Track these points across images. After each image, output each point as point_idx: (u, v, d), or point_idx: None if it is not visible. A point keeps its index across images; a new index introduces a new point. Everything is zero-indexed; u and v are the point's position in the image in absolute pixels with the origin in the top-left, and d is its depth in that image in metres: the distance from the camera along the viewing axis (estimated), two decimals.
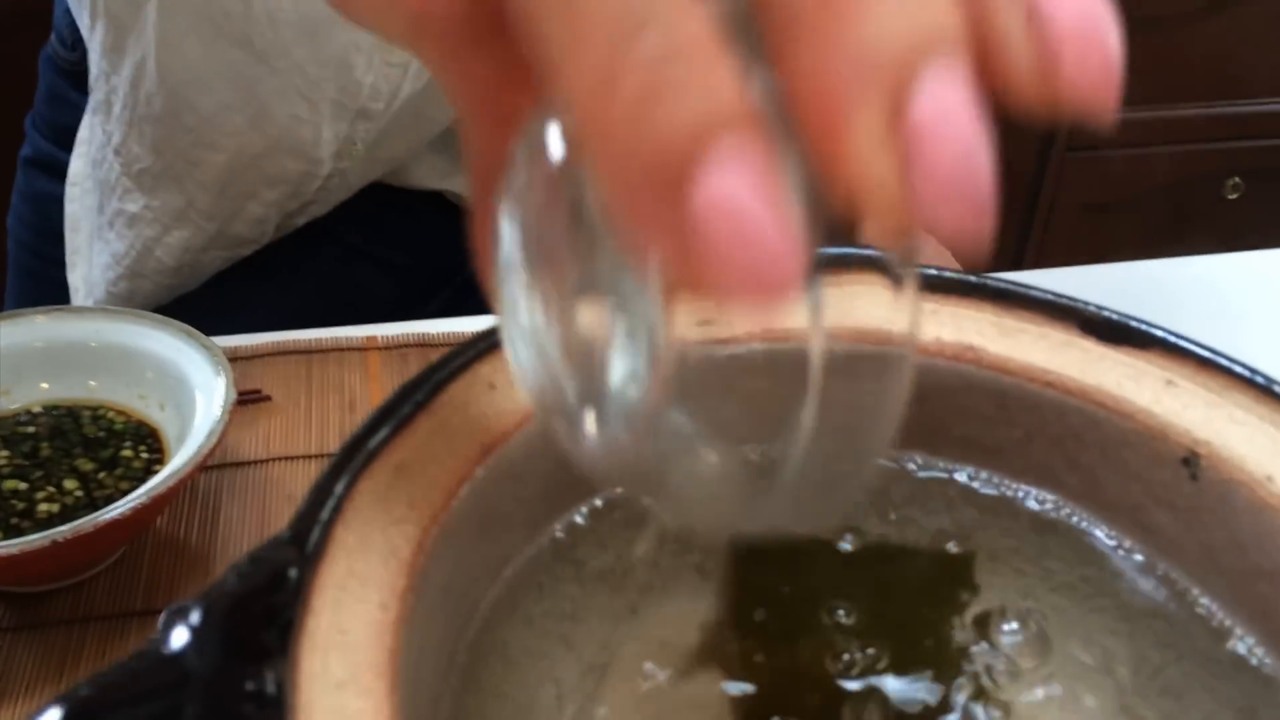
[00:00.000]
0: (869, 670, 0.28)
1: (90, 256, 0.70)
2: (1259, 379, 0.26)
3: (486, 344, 0.26)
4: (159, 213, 0.67)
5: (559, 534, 0.27)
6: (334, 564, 0.21)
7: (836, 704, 0.28)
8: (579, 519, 0.28)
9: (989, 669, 0.27)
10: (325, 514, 0.22)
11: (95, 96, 0.66)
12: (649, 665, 0.28)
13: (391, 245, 0.72)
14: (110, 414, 0.53)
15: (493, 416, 0.25)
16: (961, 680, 0.28)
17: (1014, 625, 0.28)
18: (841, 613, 0.29)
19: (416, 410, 0.24)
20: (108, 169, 0.67)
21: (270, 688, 0.18)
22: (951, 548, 0.30)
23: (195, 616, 0.18)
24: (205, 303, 0.70)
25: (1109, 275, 0.66)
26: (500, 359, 0.26)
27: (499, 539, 0.25)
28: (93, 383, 0.54)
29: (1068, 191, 1.63)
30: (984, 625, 0.29)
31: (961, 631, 0.29)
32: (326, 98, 0.60)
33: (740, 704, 0.27)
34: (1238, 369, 0.27)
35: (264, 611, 0.19)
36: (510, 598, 0.26)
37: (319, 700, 0.19)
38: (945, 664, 0.28)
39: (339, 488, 0.22)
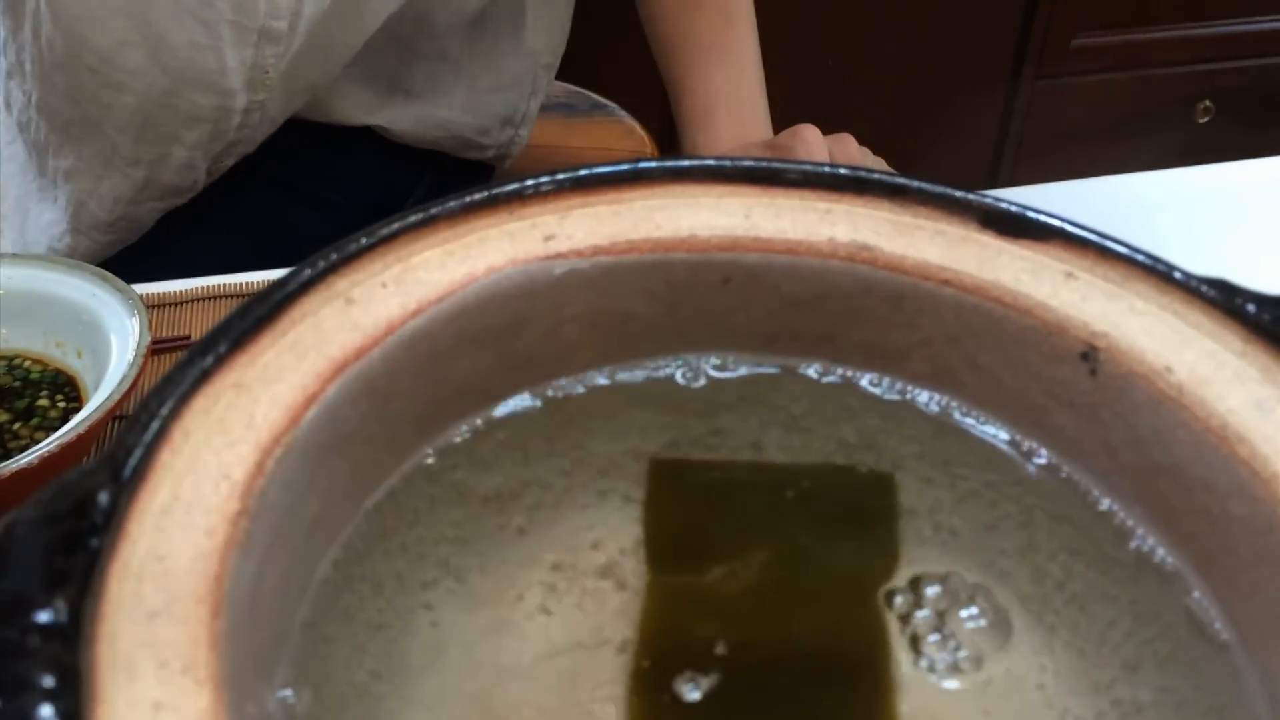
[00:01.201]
0: (774, 597, 0.27)
1: (23, 222, 0.68)
2: (1160, 267, 0.25)
3: (341, 256, 0.24)
4: (90, 162, 0.65)
5: (431, 458, 0.26)
6: (156, 489, 0.20)
7: (739, 632, 0.27)
8: (456, 440, 0.27)
9: (894, 594, 0.26)
10: (148, 437, 0.20)
11: (7, 60, 0.64)
12: (538, 589, 0.27)
13: (323, 183, 0.70)
14: (26, 363, 0.52)
15: (348, 331, 0.24)
16: (871, 607, 0.26)
17: (925, 541, 0.27)
18: (749, 542, 0.28)
19: (259, 326, 0.23)
20: (35, 129, 0.65)
21: (61, 617, 0.17)
22: (868, 465, 0.28)
23: None
24: (139, 254, 0.68)
25: (1084, 191, 0.64)
26: (359, 271, 0.25)
27: (359, 461, 0.24)
28: (4, 330, 0.52)
29: (1037, 120, 1.60)
30: (892, 542, 0.28)
31: (872, 557, 0.27)
32: (223, 19, 0.57)
33: (639, 631, 0.26)
34: (1139, 258, 0.25)
35: (62, 539, 0.18)
36: (380, 524, 0.25)
37: (126, 630, 0.18)
38: (854, 590, 0.27)
39: (165, 409, 0.21)
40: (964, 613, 0.25)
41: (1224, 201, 0.65)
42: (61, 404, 0.50)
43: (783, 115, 0.68)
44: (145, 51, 0.58)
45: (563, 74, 0.97)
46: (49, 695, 0.16)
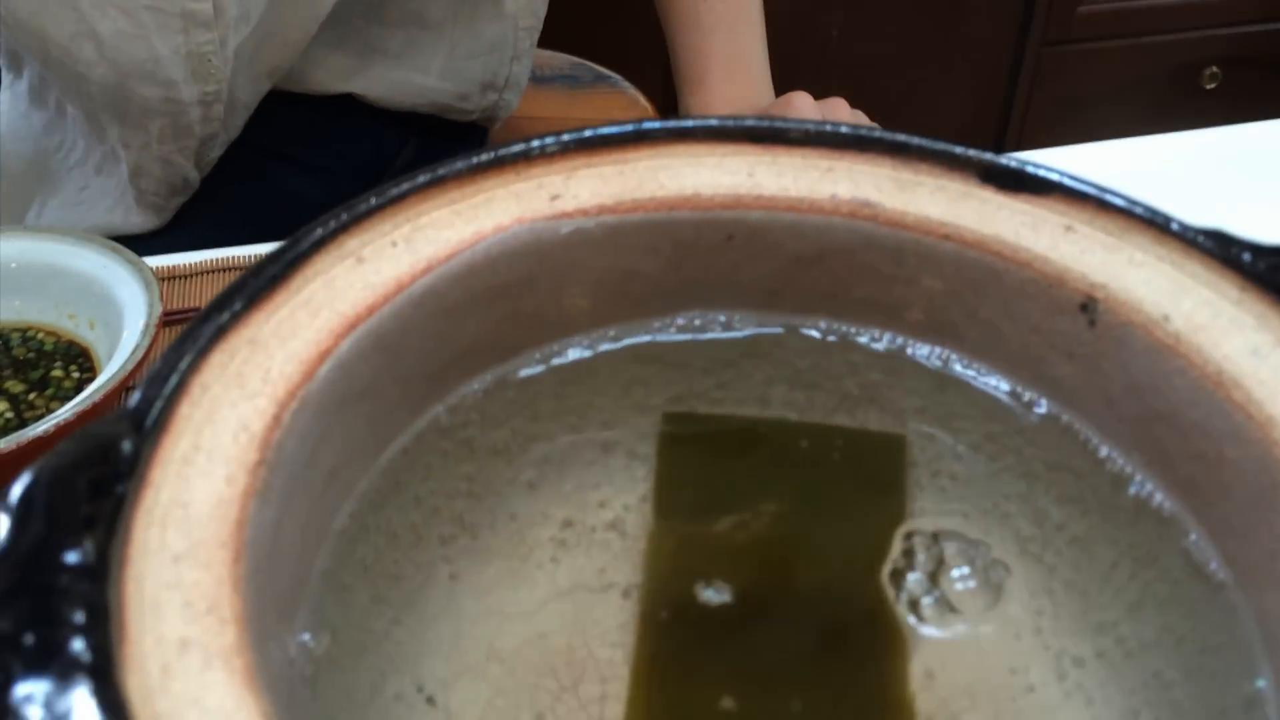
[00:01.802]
0: (781, 548, 0.28)
1: (43, 201, 0.69)
2: (1158, 218, 0.25)
3: (351, 216, 0.25)
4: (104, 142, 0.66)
5: (443, 414, 0.27)
6: (177, 439, 0.20)
7: (745, 580, 0.27)
8: (466, 397, 0.27)
9: (909, 549, 0.27)
10: (168, 389, 0.21)
11: (20, 82, 0.65)
12: (548, 542, 0.27)
13: (314, 150, 0.70)
14: (40, 335, 0.52)
15: (360, 289, 0.24)
16: (873, 559, 0.27)
17: (927, 491, 0.28)
18: (759, 495, 0.28)
19: (273, 284, 0.23)
20: (71, 118, 0.66)
21: (90, 558, 0.17)
22: (874, 420, 0.29)
23: (14, 494, 0.18)
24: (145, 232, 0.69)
25: (1089, 155, 0.64)
26: (369, 230, 0.25)
27: (373, 417, 0.25)
28: (17, 302, 0.52)
29: (1043, 87, 1.60)
30: (899, 498, 0.28)
31: (879, 510, 0.28)
32: (140, 5, 0.57)
33: (645, 576, 0.27)
34: (1137, 210, 0.26)
35: (88, 484, 0.18)
36: (394, 477, 0.26)
37: (152, 572, 0.18)
38: (858, 541, 0.27)
39: (183, 363, 0.21)
40: (956, 572, 0.26)
41: (1232, 164, 0.65)
42: (76, 374, 0.51)
43: (786, 85, 0.68)
44: (93, 45, 0.58)
45: (566, 45, 0.97)
46: (80, 630, 0.16)
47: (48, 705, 0.15)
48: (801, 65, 1.42)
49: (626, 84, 0.96)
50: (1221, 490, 0.23)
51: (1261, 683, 0.22)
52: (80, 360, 0.51)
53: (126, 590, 0.18)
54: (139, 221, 0.67)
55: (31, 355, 0.52)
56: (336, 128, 0.71)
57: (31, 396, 0.50)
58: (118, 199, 0.66)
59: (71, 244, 0.53)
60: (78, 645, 0.16)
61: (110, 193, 0.66)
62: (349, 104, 0.70)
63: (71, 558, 0.17)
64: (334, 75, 0.67)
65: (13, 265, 0.52)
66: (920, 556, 0.26)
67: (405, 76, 0.70)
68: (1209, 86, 1.63)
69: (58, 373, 0.51)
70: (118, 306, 0.50)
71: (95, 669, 0.16)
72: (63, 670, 0.16)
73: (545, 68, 0.96)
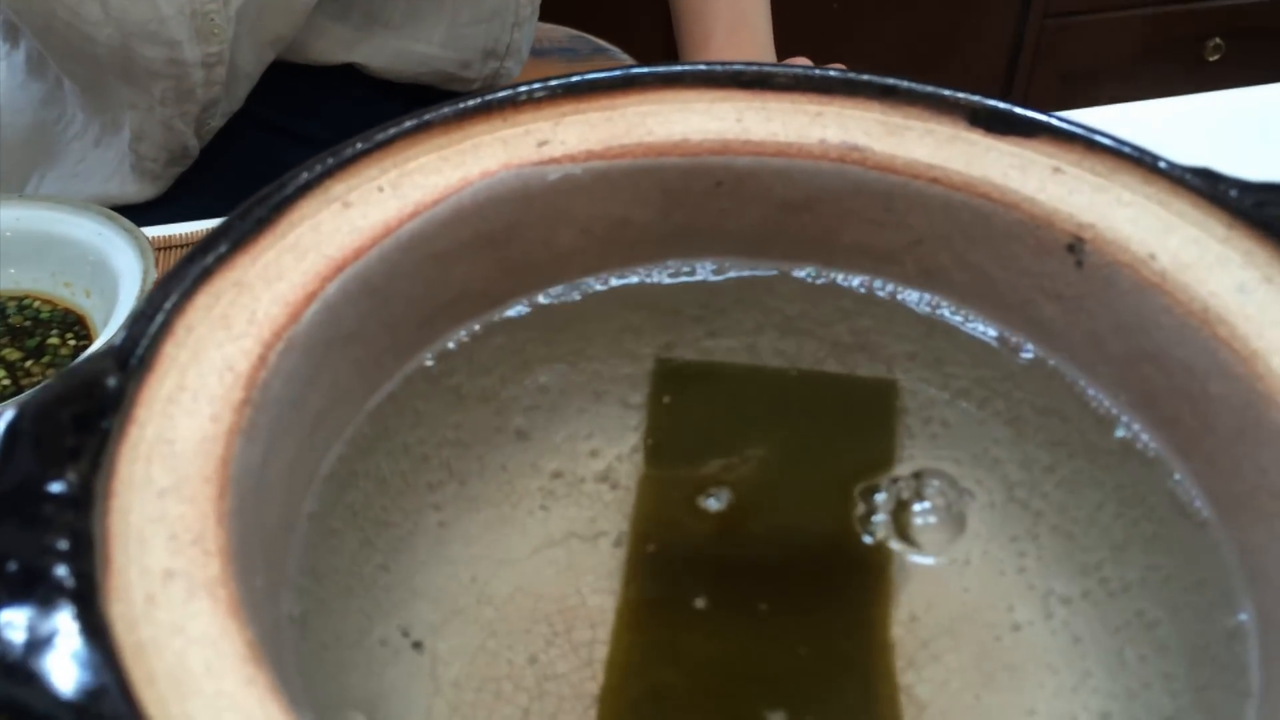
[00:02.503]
0: (770, 492, 0.28)
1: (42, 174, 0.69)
2: (1145, 158, 0.25)
3: (338, 160, 0.25)
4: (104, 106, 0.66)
5: (430, 362, 0.27)
6: (162, 377, 0.20)
7: (733, 526, 0.27)
8: (455, 344, 0.27)
9: (898, 494, 0.27)
10: (153, 329, 0.21)
11: (17, 52, 0.64)
12: (537, 492, 0.27)
13: (312, 121, 0.70)
14: (36, 303, 0.52)
15: (346, 233, 0.24)
16: (863, 499, 0.27)
17: (917, 437, 0.28)
18: (749, 441, 0.28)
19: (259, 227, 0.23)
20: (68, 90, 0.66)
21: (74, 489, 0.17)
22: (863, 366, 0.29)
23: None
24: (141, 204, 0.69)
25: (1092, 119, 0.64)
26: (355, 175, 0.25)
27: (360, 361, 0.25)
28: (13, 271, 0.52)
29: (1045, 59, 1.59)
30: (890, 444, 0.28)
31: (870, 455, 0.28)
32: None
33: (634, 523, 0.27)
34: (1125, 150, 0.25)
35: (73, 418, 0.18)
36: (382, 423, 0.26)
37: (137, 505, 0.18)
38: (846, 485, 0.27)
39: (168, 304, 0.21)
40: (919, 506, 0.26)
41: (1237, 127, 0.64)
42: (72, 342, 0.51)
43: (788, 53, 0.68)
44: (99, 3, 0.58)
45: (564, 17, 0.97)
46: (64, 557, 0.16)
47: (30, 629, 0.15)
48: (803, 35, 1.42)
49: (625, 56, 0.96)
50: (1206, 428, 0.23)
51: (1243, 616, 0.22)
52: (76, 328, 0.51)
53: (111, 522, 0.18)
54: (134, 190, 0.67)
55: (28, 323, 0.52)
56: (337, 100, 0.71)
57: (28, 364, 0.50)
58: (114, 169, 0.66)
59: (67, 212, 0.53)
60: (61, 572, 0.16)
61: (108, 163, 0.66)
62: (350, 75, 0.70)
63: (55, 488, 0.17)
64: (336, 45, 0.67)
65: (8, 234, 0.52)
66: (906, 499, 0.26)
67: (407, 45, 0.70)
68: (1212, 59, 1.62)
69: (54, 340, 0.51)
70: (114, 274, 0.50)
71: (79, 595, 0.16)
72: (46, 596, 0.16)
73: (544, 40, 0.95)
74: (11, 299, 0.53)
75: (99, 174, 0.66)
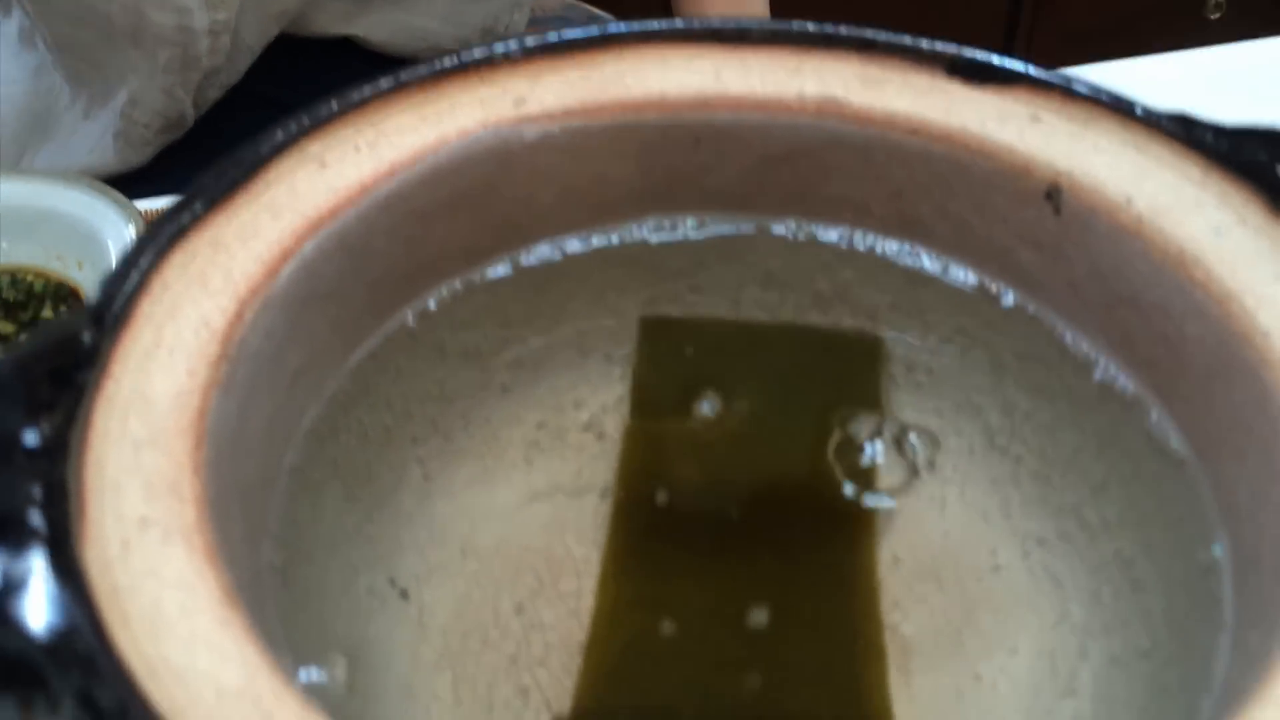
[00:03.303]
0: (753, 444, 0.28)
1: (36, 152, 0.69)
2: (1122, 104, 0.25)
3: (314, 120, 0.25)
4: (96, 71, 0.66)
5: (411, 320, 0.27)
6: (138, 334, 0.21)
7: (719, 476, 0.27)
8: (435, 303, 0.27)
9: (880, 441, 0.27)
10: (128, 287, 0.21)
11: (9, 22, 0.64)
12: (522, 445, 0.27)
13: (308, 97, 0.70)
14: (29, 277, 0.53)
15: (323, 192, 0.24)
16: (848, 447, 0.27)
17: (901, 388, 0.28)
18: (733, 394, 0.28)
19: (235, 187, 0.23)
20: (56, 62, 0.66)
21: (49, 439, 0.17)
22: (846, 319, 0.29)
23: None
24: (134, 176, 0.69)
25: (1094, 75, 0.63)
26: (331, 135, 0.25)
27: (339, 319, 0.25)
28: (5, 245, 0.53)
29: (1045, 18, 1.58)
30: (874, 390, 0.28)
31: (853, 407, 0.28)
32: None
33: (619, 474, 0.27)
34: (1102, 97, 0.25)
35: (48, 372, 0.18)
36: (364, 380, 0.26)
37: (113, 457, 0.18)
38: (835, 441, 0.28)
39: (144, 262, 0.21)
40: (901, 452, 0.26)
41: (1237, 81, 0.64)
42: (66, 315, 0.51)
43: (785, 17, 0.68)
44: None
45: None
46: (38, 504, 0.17)
47: (4, 574, 0.16)
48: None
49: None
50: (1181, 368, 0.23)
51: (1217, 550, 0.22)
52: (70, 300, 0.52)
53: (86, 472, 0.18)
54: (116, 161, 0.67)
55: (21, 298, 0.52)
56: (333, 74, 0.71)
57: (23, 338, 0.50)
58: (98, 141, 0.66)
59: (59, 185, 0.53)
60: (35, 518, 0.16)
61: (94, 135, 0.66)
62: (348, 49, 0.70)
63: (30, 438, 0.17)
64: (337, 18, 0.67)
65: None
66: (889, 447, 0.26)
67: (407, 19, 0.70)
68: (1214, 16, 1.61)
69: (48, 313, 0.51)
70: (105, 247, 0.50)
71: (52, 540, 0.16)
72: (19, 540, 0.16)
73: (537, 9, 0.95)
74: (4, 273, 0.53)
75: (86, 145, 0.67)
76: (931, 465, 0.26)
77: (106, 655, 0.15)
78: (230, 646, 0.16)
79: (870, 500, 0.26)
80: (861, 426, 0.27)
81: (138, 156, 0.67)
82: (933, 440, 0.27)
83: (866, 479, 0.26)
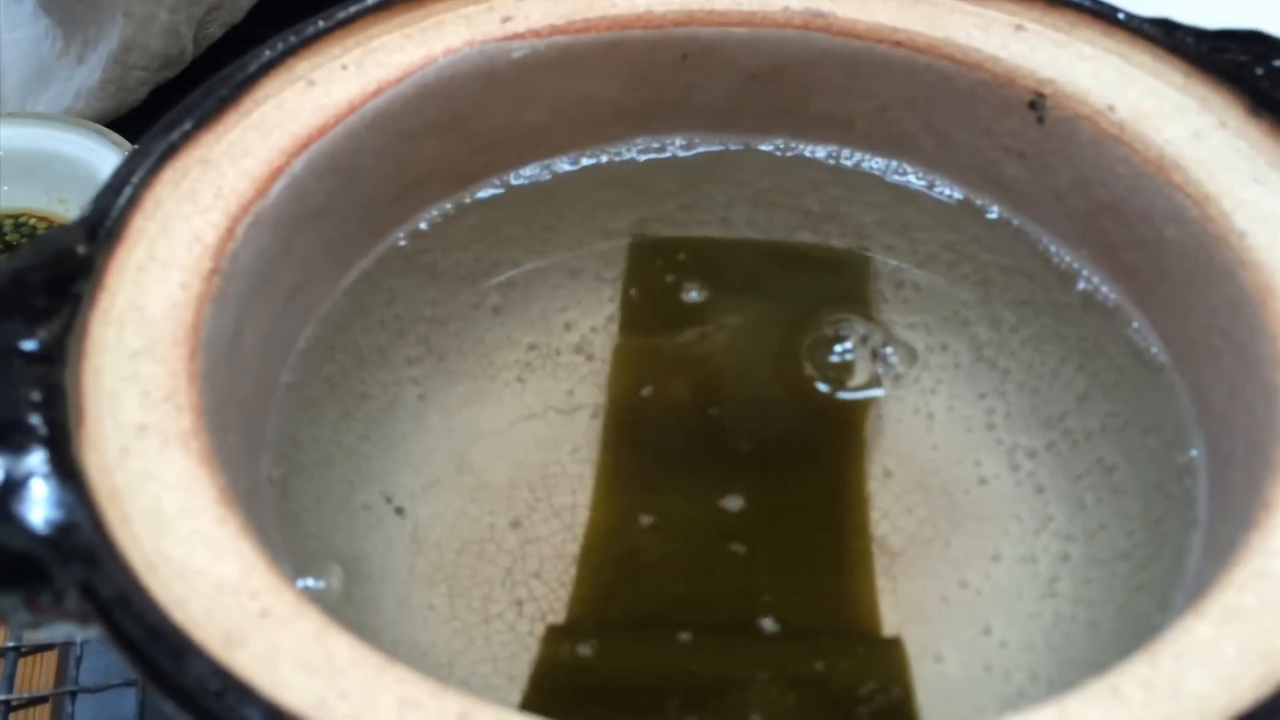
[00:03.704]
0: (743, 357, 0.28)
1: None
2: (1105, 10, 0.25)
3: (300, 39, 0.25)
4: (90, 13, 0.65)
5: (403, 241, 0.27)
6: (132, 248, 0.21)
7: (710, 391, 0.28)
8: (426, 224, 0.28)
9: (866, 343, 0.27)
10: (121, 201, 0.21)
11: None
12: (514, 365, 0.28)
13: None
14: (32, 221, 0.53)
15: (311, 110, 0.24)
16: (837, 362, 0.28)
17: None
18: (724, 310, 0.29)
19: (223, 105, 0.24)
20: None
21: (47, 346, 0.18)
22: (835, 237, 0.29)
23: None
24: (131, 122, 0.69)
25: None
26: (318, 54, 0.25)
27: (331, 238, 0.25)
28: (7, 189, 0.53)
29: None
30: (863, 306, 0.28)
31: (838, 319, 0.28)
32: None
33: (610, 391, 0.27)
34: (1085, 4, 0.25)
35: (44, 282, 0.19)
36: (358, 300, 0.26)
37: (110, 366, 0.19)
38: (817, 345, 0.28)
39: (135, 177, 0.22)
40: (889, 364, 0.27)
41: None
42: None
43: None
44: None
45: None
46: (37, 407, 0.17)
47: (6, 474, 0.16)
48: None
49: None
50: (1161, 273, 0.23)
51: (1194, 452, 0.22)
52: None
53: (84, 379, 0.18)
54: (112, 105, 0.67)
55: (25, 240, 0.52)
56: None
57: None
58: (93, 83, 0.66)
59: (57, 129, 0.53)
60: (35, 420, 0.17)
61: (88, 79, 0.66)
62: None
63: (28, 344, 0.18)
64: None
65: (0, 153, 0.53)
66: (878, 360, 0.27)
67: None
68: None
69: None
70: None
71: (52, 441, 0.17)
72: (20, 442, 0.17)
73: None
74: (8, 217, 0.53)
75: (80, 89, 0.66)
76: (914, 366, 0.27)
77: (107, 549, 0.16)
78: (227, 543, 0.17)
79: (861, 411, 0.26)
80: (852, 340, 0.28)
81: (133, 97, 0.67)
82: (911, 353, 0.27)
83: (858, 390, 0.27)
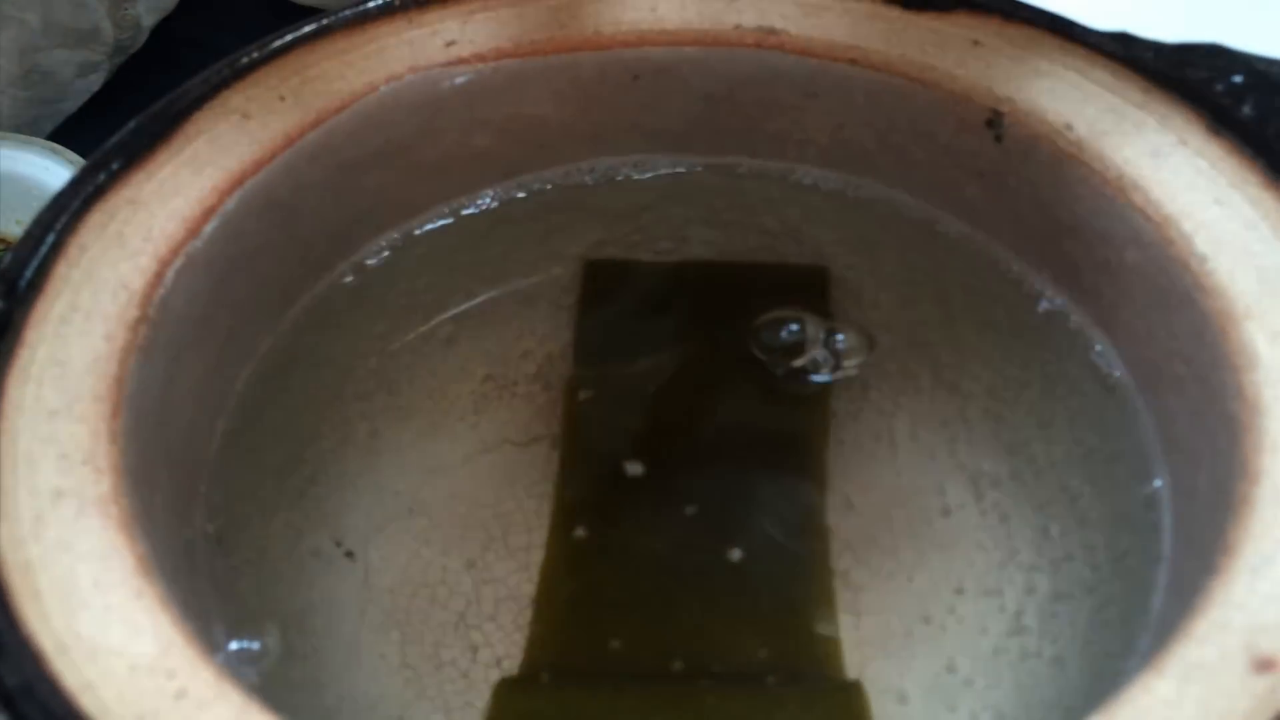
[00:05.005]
0: (702, 384, 0.28)
1: None
2: (1061, 25, 0.24)
3: (235, 70, 0.24)
4: None
5: (349, 276, 0.26)
6: (53, 299, 0.20)
7: (670, 421, 0.27)
8: (374, 257, 0.27)
9: (815, 363, 0.27)
10: (43, 250, 0.20)
11: None
12: (469, 397, 0.27)
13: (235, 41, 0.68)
14: None
15: (247, 145, 0.24)
16: (797, 381, 0.27)
17: (842, 338, 0.27)
18: (682, 335, 0.28)
19: (154, 143, 0.23)
20: None
21: None
22: (794, 255, 0.28)
23: None
24: (76, 126, 0.67)
25: None
26: (254, 85, 0.24)
27: (271, 277, 0.24)
28: None
29: None
30: (825, 322, 0.28)
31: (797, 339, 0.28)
32: None
33: (564, 425, 0.27)
34: (1042, 18, 0.25)
35: None
36: (302, 338, 0.26)
37: (26, 428, 0.18)
38: (778, 364, 0.27)
39: (59, 224, 0.21)
40: (847, 375, 0.26)
41: None
42: None
43: None
44: None
45: None
46: None
47: None
48: None
49: None
50: (1124, 297, 0.23)
51: (1158, 483, 0.22)
52: None
53: None
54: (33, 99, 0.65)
55: None
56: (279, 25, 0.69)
57: None
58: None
59: (11, 148, 0.52)
60: None
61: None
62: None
63: None
64: None
65: None
66: (839, 378, 0.26)
67: None
68: None
69: None
70: None
71: None
72: None
73: None
74: None
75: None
76: (873, 388, 0.26)
77: (12, 633, 0.15)
78: (144, 618, 0.16)
79: (823, 435, 0.26)
80: (812, 361, 0.27)
81: (54, 94, 0.65)
82: (868, 340, 0.26)
83: (821, 405, 0.26)
